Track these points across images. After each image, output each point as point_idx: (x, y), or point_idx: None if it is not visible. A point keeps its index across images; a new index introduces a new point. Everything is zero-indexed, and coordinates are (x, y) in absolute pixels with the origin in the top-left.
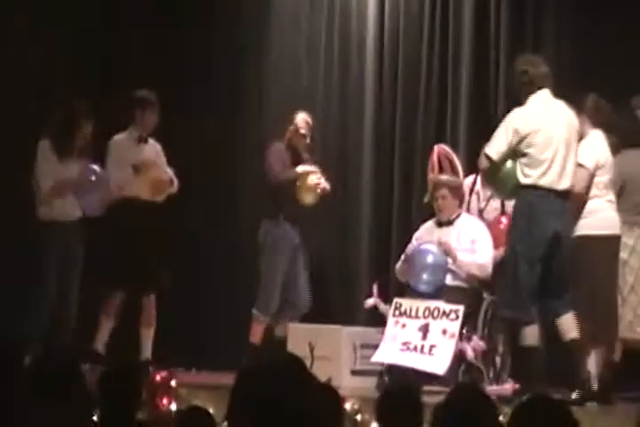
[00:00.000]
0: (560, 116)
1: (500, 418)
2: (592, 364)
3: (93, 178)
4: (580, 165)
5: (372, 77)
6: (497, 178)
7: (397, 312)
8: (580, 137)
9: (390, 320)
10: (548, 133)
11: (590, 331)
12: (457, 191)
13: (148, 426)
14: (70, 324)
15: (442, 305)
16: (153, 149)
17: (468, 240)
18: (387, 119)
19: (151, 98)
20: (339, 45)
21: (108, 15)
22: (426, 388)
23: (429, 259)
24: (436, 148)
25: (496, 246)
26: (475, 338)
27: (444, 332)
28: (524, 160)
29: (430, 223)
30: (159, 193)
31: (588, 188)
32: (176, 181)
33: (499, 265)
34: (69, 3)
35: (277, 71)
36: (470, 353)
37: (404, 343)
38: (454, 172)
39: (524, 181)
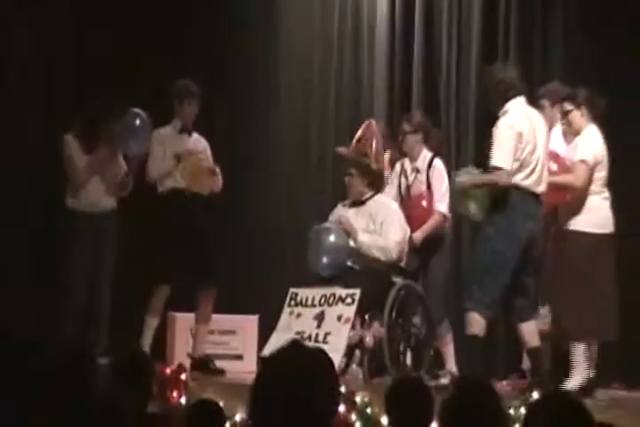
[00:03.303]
0: (538, 120)
1: (511, 411)
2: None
3: (138, 122)
4: (581, 161)
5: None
6: (472, 199)
7: (293, 302)
8: (577, 132)
9: (285, 310)
10: (534, 138)
11: (570, 324)
12: (365, 171)
13: (159, 419)
14: (104, 322)
15: (338, 291)
16: (197, 142)
17: (378, 222)
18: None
19: (188, 88)
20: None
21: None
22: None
23: (329, 240)
24: (367, 122)
25: (419, 225)
26: (375, 324)
27: (340, 317)
28: (516, 163)
29: (345, 202)
30: (198, 183)
31: (589, 184)
32: (219, 177)
33: (423, 250)
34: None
35: (289, 51)
36: (369, 340)
37: (298, 333)
38: (374, 152)
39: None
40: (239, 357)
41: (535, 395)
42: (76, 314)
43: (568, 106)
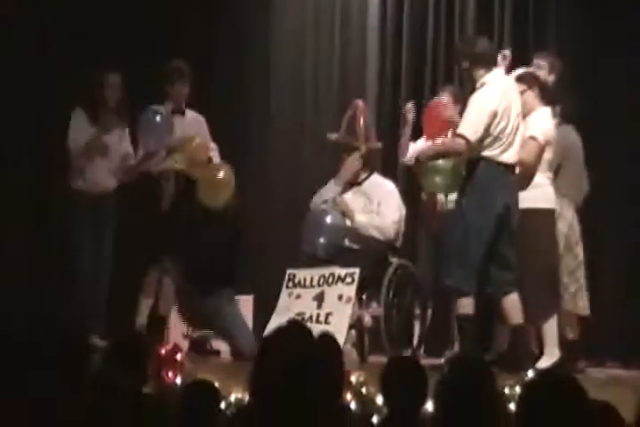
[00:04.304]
0: (515, 91)
1: (506, 391)
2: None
3: (158, 119)
4: (531, 138)
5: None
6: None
7: (291, 284)
8: (528, 111)
9: (283, 292)
10: (509, 111)
11: (536, 305)
12: (359, 155)
13: (154, 400)
14: (103, 300)
15: (337, 270)
16: (193, 122)
17: (374, 202)
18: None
19: (180, 70)
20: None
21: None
22: (429, 361)
23: (325, 220)
24: (355, 102)
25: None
26: (373, 305)
27: (340, 297)
28: (484, 138)
29: (335, 184)
30: (193, 169)
31: (539, 161)
32: (216, 156)
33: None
34: None
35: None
36: (368, 320)
37: (299, 314)
38: (363, 131)
39: (481, 153)
40: None
41: (530, 374)
42: (83, 299)
43: (520, 86)
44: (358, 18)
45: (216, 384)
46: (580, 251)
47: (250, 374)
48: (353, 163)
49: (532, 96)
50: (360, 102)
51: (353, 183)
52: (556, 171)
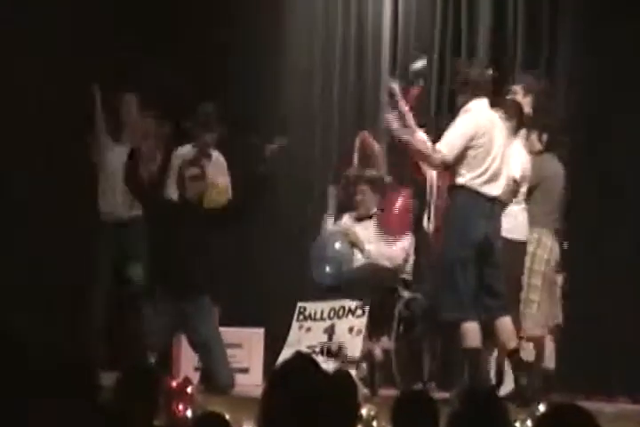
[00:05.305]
0: (498, 121)
1: (517, 425)
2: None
3: None
4: (513, 180)
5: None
6: None
7: (301, 317)
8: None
9: (294, 325)
10: (491, 139)
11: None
12: (376, 186)
13: None
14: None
15: (347, 303)
16: (214, 164)
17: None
18: None
19: (212, 120)
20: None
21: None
22: (440, 395)
23: (332, 250)
24: (360, 136)
25: None
26: (384, 339)
27: (351, 330)
28: (463, 161)
29: (347, 217)
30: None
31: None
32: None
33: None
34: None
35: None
36: (378, 353)
37: (309, 347)
38: (376, 164)
39: (457, 180)
40: (245, 370)
41: (541, 408)
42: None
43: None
44: (373, 46)
45: (227, 417)
46: (555, 275)
47: (259, 407)
48: (372, 196)
49: (508, 128)
50: (366, 133)
51: (364, 217)
52: (531, 199)
